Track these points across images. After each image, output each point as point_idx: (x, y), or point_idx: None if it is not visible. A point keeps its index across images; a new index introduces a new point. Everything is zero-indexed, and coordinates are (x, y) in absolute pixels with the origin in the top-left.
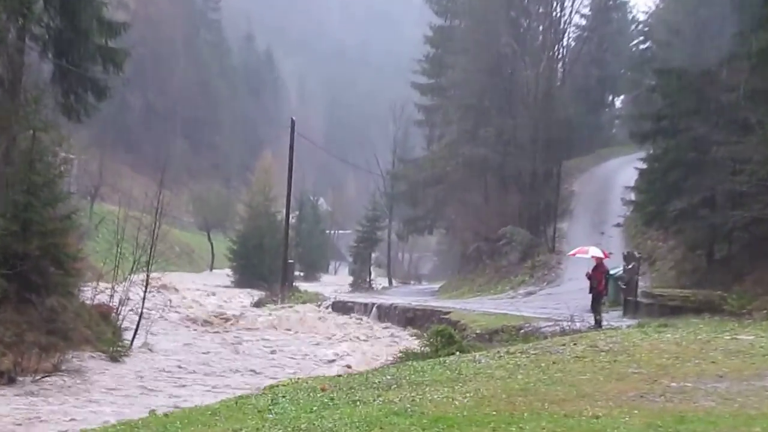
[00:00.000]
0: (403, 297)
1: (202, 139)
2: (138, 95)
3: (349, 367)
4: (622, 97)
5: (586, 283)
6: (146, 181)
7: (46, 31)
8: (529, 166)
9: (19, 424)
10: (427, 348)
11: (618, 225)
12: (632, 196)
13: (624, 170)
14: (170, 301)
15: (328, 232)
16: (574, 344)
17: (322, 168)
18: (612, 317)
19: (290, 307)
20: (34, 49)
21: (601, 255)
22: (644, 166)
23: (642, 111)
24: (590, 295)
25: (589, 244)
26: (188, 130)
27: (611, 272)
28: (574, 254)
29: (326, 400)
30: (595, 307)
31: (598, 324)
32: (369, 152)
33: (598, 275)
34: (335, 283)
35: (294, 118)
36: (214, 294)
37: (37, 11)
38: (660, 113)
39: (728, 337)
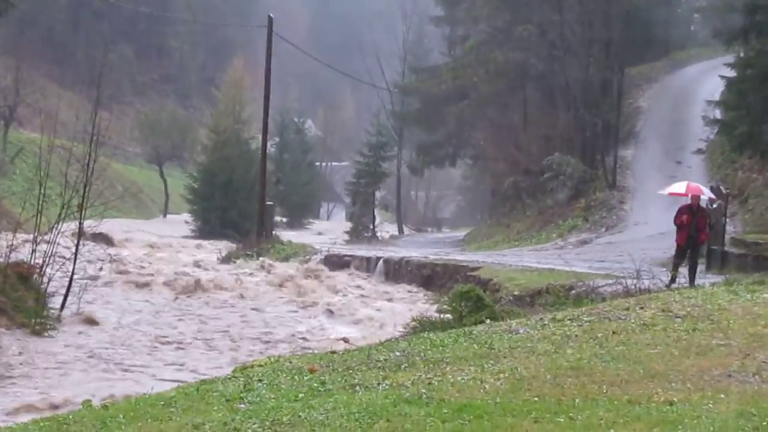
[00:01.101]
0: (417, 249)
1: (151, 44)
2: None
3: (346, 340)
4: None
5: (664, 228)
6: (78, 100)
7: None
8: (581, 75)
9: None
10: (448, 315)
11: (699, 151)
12: (717, 114)
13: (706, 80)
14: (112, 257)
15: (318, 164)
16: (641, 308)
17: (310, 80)
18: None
19: (269, 263)
20: None
21: (710, 196)
22: (733, 73)
23: (729, 1)
24: (677, 244)
25: (663, 177)
26: (133, 32)
27: None
28: (678, 193)
29: (316, 385)
30: (678, 262)
31: (672, 281)
32: (371, 59)
33: (702, 220)
34: (329, 230)
35: (272, 14)
36: (169, 246)
37: None
38: (754, 3)
39: None
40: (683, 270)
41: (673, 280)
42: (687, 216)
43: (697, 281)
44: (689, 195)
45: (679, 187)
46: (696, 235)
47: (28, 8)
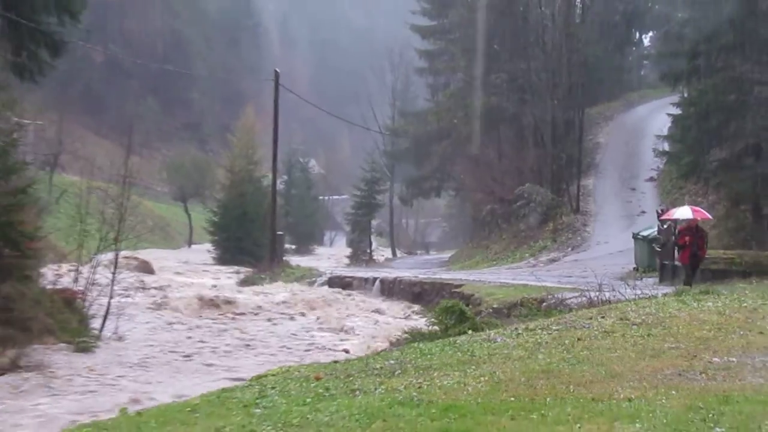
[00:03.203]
0: (408, 269)
1: (174, 97)
2: (100, 49)
3: (347, 351)
4: (650, 34)
5: (622, 247)
6: (112, 147)
7: None
8: (547, 116)
9: None
10: (435, 327)
11: (651, 179)
12: (666, 146)
13: (655, 117)
14: (144, 282)
15: (321, 198)
16: (602, 317)
17: (312, 125)
18: (646, 284)
19: (280, 285)
20: None
21: (694, 215)
22: (678, 111)
23: (674, 49)
24: (682, 263)
25: (620, 202)
26: (158, 87)
27: (643, 233)
28: (668, 216)
29: (321, 391)
30: (690, 274)
31: (688, 284)
32: (365, 105)
33: (701, 239)
34: (331, 255)
35: (278, 69)
36: (195, 272)
37: None
38: (695, 50)
39: None
40: (640, 283)
41: (689, 283)
42: (689, 237)
43: (651, 293)
44: (693, 217)
45: (681, 211)
46: (697, 252)
47: (68, 68)
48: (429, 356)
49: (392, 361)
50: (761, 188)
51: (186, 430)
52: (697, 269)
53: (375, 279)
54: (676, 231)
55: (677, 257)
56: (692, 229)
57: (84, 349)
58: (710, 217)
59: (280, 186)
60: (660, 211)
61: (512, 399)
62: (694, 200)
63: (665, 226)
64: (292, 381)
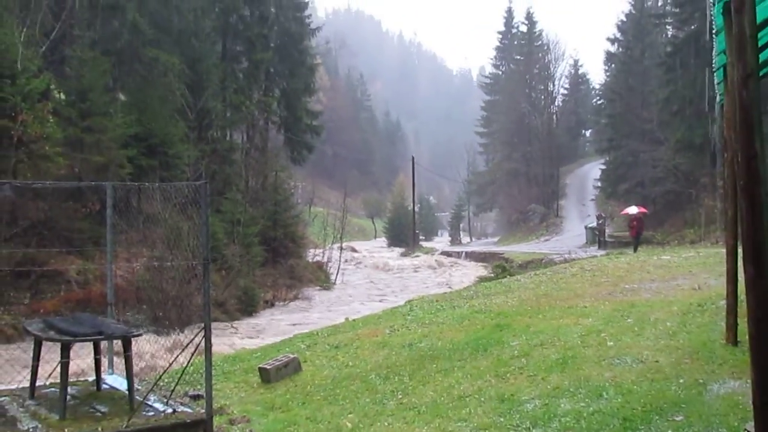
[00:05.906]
0: (478, 246)
1: (365, 170)
2: (329, 148)
3: (450, 287)
4: (590, 130)
5: (579, 233)
6: (337, 194)
7: (279, 118)
8: (540, 172)
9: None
10: (491, 274)
11: (592, 199)
12: (598, 183)
13: (593, 170)
14: (354, 256)
15: (435, 214)
16: (571, 267)
17: (431, 180)
18: (592, 251)
19: (418, 255)
20: (273, 128)
21: (639, 211)
22: (604, 167)
23: (600, 137)
24: (632, 236)
25: (576, 214)
26: (359, 164)
27: (590, 226)
28: (625, 212)
29: (438, 307)
30: (635, 243)
31: (635, 250)
32: (455, 169)
33: (642, 223)
34: (441, 241)
35: (413, 155)
36: (378, 251)
37: (273, 108)
38: (611, 137)
39: (656, 258)
40: (590, 250)
41: (635, 249)
42: (636, 222)
43: (595, 254)
44: (638, 211)
45: (631, 209)
46: (640, 230)
47: (315, 157)
48: (489, 288)
49: (472, 292)
50: (645, 202)
51: (375, 327)
52: (639, 240)
53: (463, 251)
54: (629, 219)
55: (629, 234)
56: (638, 218)
57: (327, 289)
58: (647, 211)
59: (416, 209)
60: (597, 215)
61: (529, 308)
62: (613, 208)
63: (600, 221)
64: (424, 302)
